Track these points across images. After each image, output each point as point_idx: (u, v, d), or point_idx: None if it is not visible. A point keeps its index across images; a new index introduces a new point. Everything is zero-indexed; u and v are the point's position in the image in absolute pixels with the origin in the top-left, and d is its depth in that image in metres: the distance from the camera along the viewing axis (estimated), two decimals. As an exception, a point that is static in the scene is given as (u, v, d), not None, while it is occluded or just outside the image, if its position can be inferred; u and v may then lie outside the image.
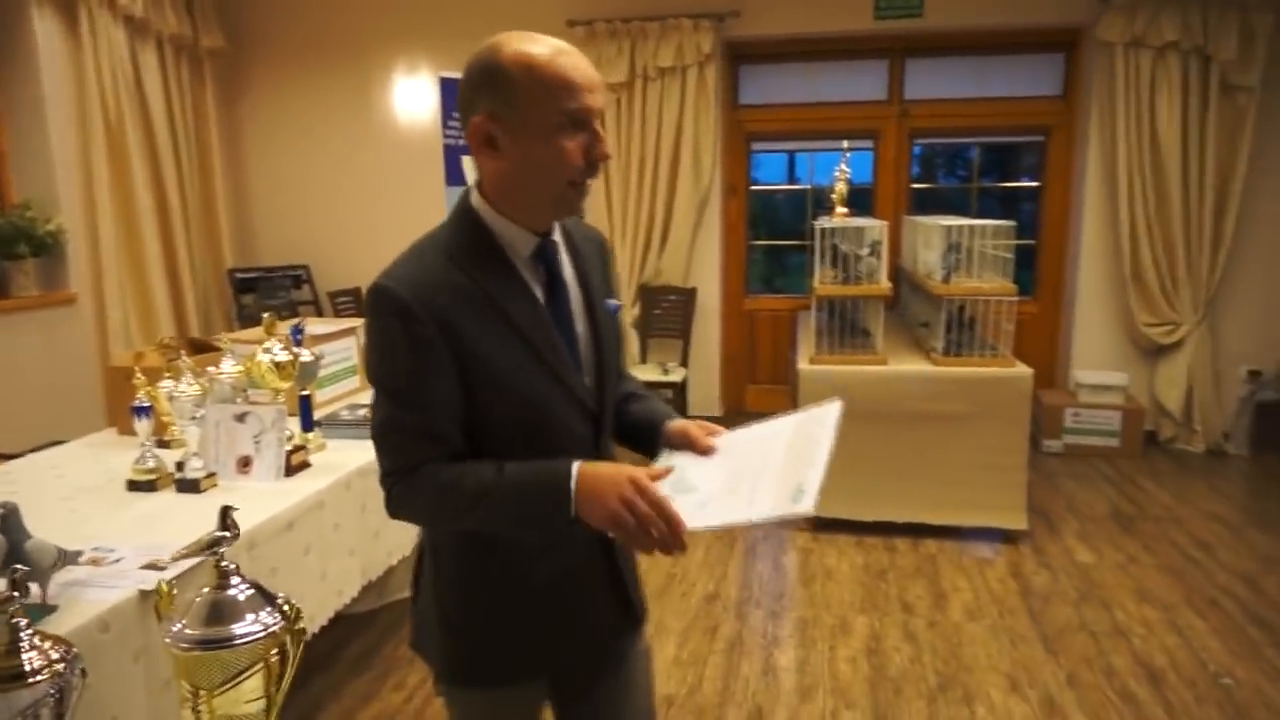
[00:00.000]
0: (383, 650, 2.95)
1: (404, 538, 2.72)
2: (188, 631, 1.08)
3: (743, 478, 1.19)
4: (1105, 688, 2.70)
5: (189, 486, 2.19)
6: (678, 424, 1.33)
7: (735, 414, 5.81)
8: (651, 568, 3.54)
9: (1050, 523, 4.04)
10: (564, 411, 1.25)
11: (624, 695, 1.45)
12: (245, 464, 2.29)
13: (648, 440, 1.36)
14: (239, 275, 5.55)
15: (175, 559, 1.21)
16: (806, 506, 1.08)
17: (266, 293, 5.48)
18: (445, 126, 4.10)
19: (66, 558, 1.60)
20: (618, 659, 1.43)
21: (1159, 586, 3.39)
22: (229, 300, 5.61)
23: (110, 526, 1.98)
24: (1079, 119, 5.25)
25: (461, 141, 4.14)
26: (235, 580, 1.14)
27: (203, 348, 3.00)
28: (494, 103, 1.15)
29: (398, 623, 3.11)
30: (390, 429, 1.20)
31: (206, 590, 1.13)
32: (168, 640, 1.08)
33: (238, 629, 1.09)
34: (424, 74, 5.63)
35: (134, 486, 2.21)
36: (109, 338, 4.77)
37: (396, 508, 1.23)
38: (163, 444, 2.49)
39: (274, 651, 1.11)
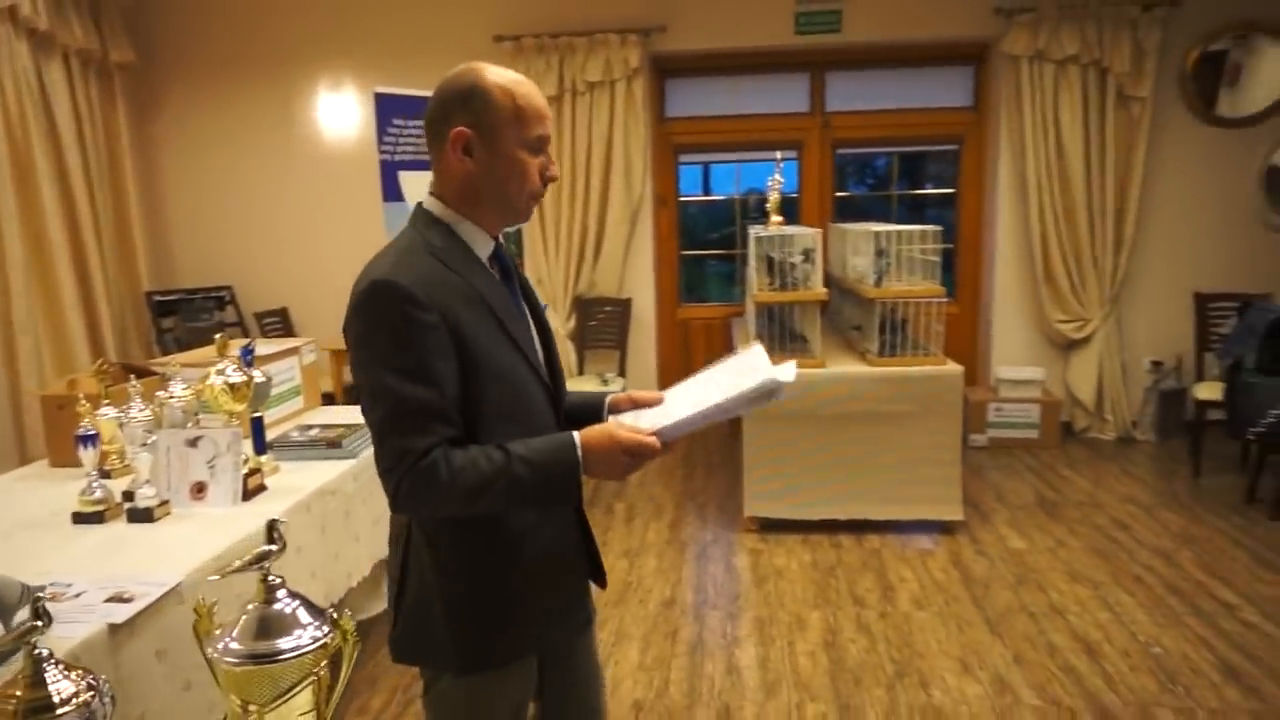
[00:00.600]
0: (341, 675, 2.88)
1: (361, 560, 2.68)
2: (235, 646, 1.05)
3: (701, 397, 1.36)
4: (1048, 664, 2.84)
5: (141, 516, 2.11)
6: (621, 394, 1.50)
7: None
8: (607, 577, 3.55)
9: (983, 513, 4.22)
10: (534, 390, 1.40)
11: (588, 655, 1.61)
12: (200, 490, 2.22)
13: (593, 420, 1.46)
14: (158, 298, 5.34)
15: (225, 574, 1.19)
16: (788, 375, 1.29)
17: (189, 315, 5.28)
18: (381, 142, 4.04)
19: (30, 593, 1.53)
20: (587, 621, 1.59)
21: (1087, 567, 3.58)
22: (147, 324, 5.39)
23: (61, 561, 1.90)
24: (990, 128, 5.52)
25: (398, 157, 4.10)
26: (282, 594, 1.12)
27: (137, 372, 2.89)
28: (474, 118, 1.32)
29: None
30: (402, 412, 1.23)
31: (253, 606, 1.11)
32: (214, 655, 1.05)
33: (285, 643, 1.07)
34: (350, 89, 5.54)
35: (81, 519, 2.12)
36: (19, 365, 4.52)
37: (408, 498, 1.24)
38: (104, 474, 2.39)
39: (323, 665, 1.09)
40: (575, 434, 1.30)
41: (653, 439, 1.30)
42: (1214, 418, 4.50)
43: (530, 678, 1.47)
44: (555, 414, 1.45)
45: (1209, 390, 4.61)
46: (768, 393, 1.29)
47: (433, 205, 1.39)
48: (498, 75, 1.34)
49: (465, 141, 1.33)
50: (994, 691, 2.69)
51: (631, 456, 1.29)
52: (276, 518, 1.20)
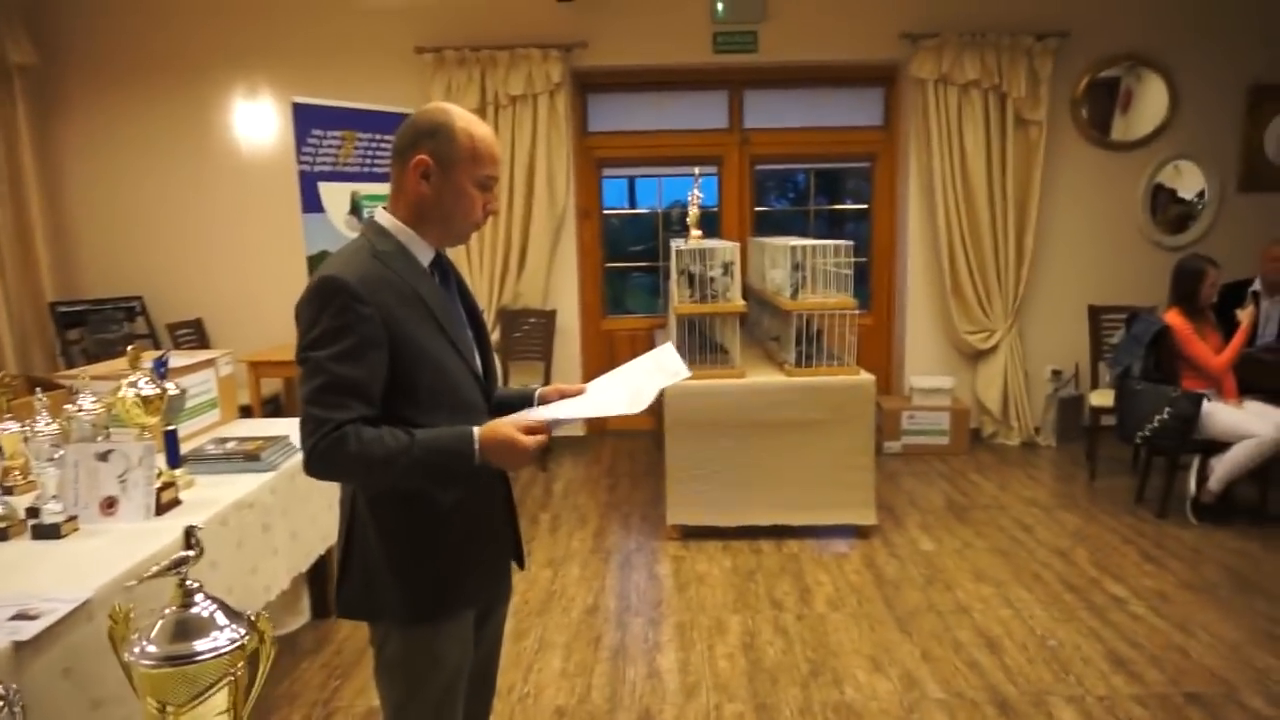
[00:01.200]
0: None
1: (279, 574, 2.64)
2: (151, 649, 1.06)
3: (600, 400, 1.62)
4: (954, 659, 2.98)
5: (48, 532, 2.06)
6: (548, 388, 1.72)
7: (599, 434, 5.93)
8: (530, 587, 3.58)
9: (896, 517, 4.39)
10: (463, 379, 1.58)
11: (497, 629, 1.84)
12: (110, 505, 2.17)
13: (521, 409, 1.66)
14: (62, 309, 5.13)
15: (143, 580, 1.25)
16: (637, 409, 1.57)
17: (97, 326, 5.10)
18: (299, 153, 4.00)
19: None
20: (506, 594, 1.84)
21: (991, 566, 3.77)
22: (51, 335, 5.18)
23: (-40, 580, 1.84)
24: (899, 147, 5.76)
25: (318, 168, 4.06)
26: (200, 598, 1.13)
27: (42, 385, 2.80)
28: (436, 150, 1.53)
29: (273, 662, 3.00)
30: (329, 388, 1.41)
31: (170, 610, 1.12)
32: (131, 659, 1.06)
33: (202, 645, 1.09)
34: (268, 97, 5.44)
35: (-19, 536, 2.05)
36: (-91, 381, 4.29)
37: (319, 462, 1.42)
38: (4, 490, 2.32)
39: (240, 665, 1.10)
40: (475, 429, 1.47)
41: (537, 431, 1.49)
42: (1107, 423, 4.78)
43: (468, 635, 1.64)
44: (486, 402, 1.63)
45: (1102, 397, 4.90)
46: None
47: (383, 218, 1.59)
48: (464, 119, 1.56)
49: (425, 169, 1.53)
50: (903, 687, 2.81)
51: (520, 448, 1.46)
52: (194, 524, 1.22)
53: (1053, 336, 5.70)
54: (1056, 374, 5.69)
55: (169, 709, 1.05)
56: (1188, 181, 5.65)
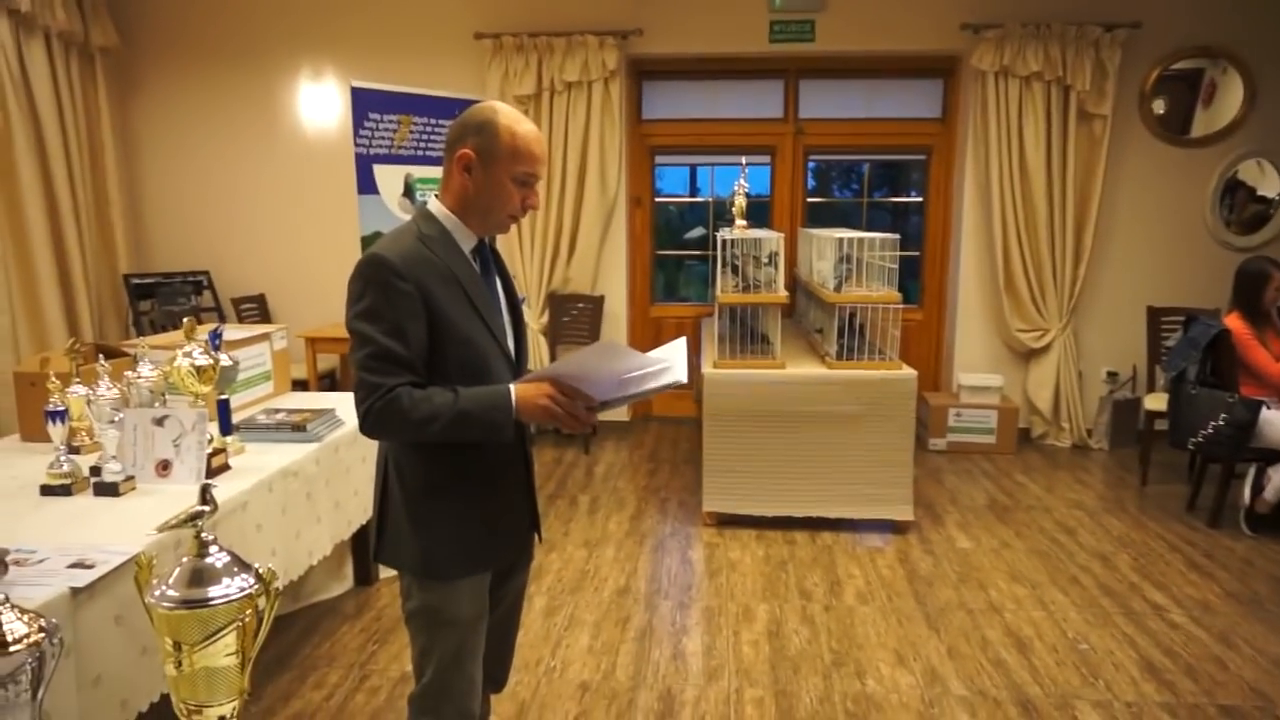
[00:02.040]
0: (301, 651, 2.97)
1: (322, 540, 2.77)
2: (170, 593, 1.17)
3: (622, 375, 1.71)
4: (980, 657, 2.97)
5: (107, 490, 2.21)
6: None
7: (642, 419, 5.99)
8: (565, 566, 3.67)
9: (935, 514, 4.36)
10: (494, 356, 1.69)
11: (520, 592, 1.99)
12: (165, 467, 2.31)
13: None
14: (135, 281, 5.39)
15: (160, 530, 1.43)
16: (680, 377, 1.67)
17: (166, 299, 5.34)
18: (356, 136, 4.13)
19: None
20: (526, 561, 1.97)
21: (1028, 568, 3.72)
22: (124, 306, 5.44)
23: (27, 529, 1.99)
24: (957, 140, 5.67)
25: (374, 150, 4.19)
26: (213, 549, 1.24)
27: (109, 353, 2.97)
28: (480, 145, 1.63)
29: (315, 625, 3.14)
30: (377, 356, 1.54)
31: (187, 559, 1.22)
32: (151, 600, 1.17)
33: (215, 591, 1.20)
34: (331, 80, 5.61)
35: (48, 491, 2.21)
36: (-6, 344, 4.58)
37: (375, 422, 1.56)
38: (73, 449, 2.48)
39: (248, 611, 1.21)
40: (511, 385, 1.62)
41: (562, 385, 1.62)
42: (1162, 428, 4.66)
43: (483, 593, 1.76)
44: (514, 378, 1.73)
45: (1157, 401, 4.78)
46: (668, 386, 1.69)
47: (433, 205, 1.71)
48: (509, 118, 1.65)
49: (468, 162, 1.64)
50: (925, 682, 2.82)
51: (549, 400, 1.60)
52: (209, 482, 1.32)
53: (1109, 337, 5.56)
54: (1112, 376, 5.56)
55: (184, 647, 1.15)
56: (1269, 180, 5.43)
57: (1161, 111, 5.39)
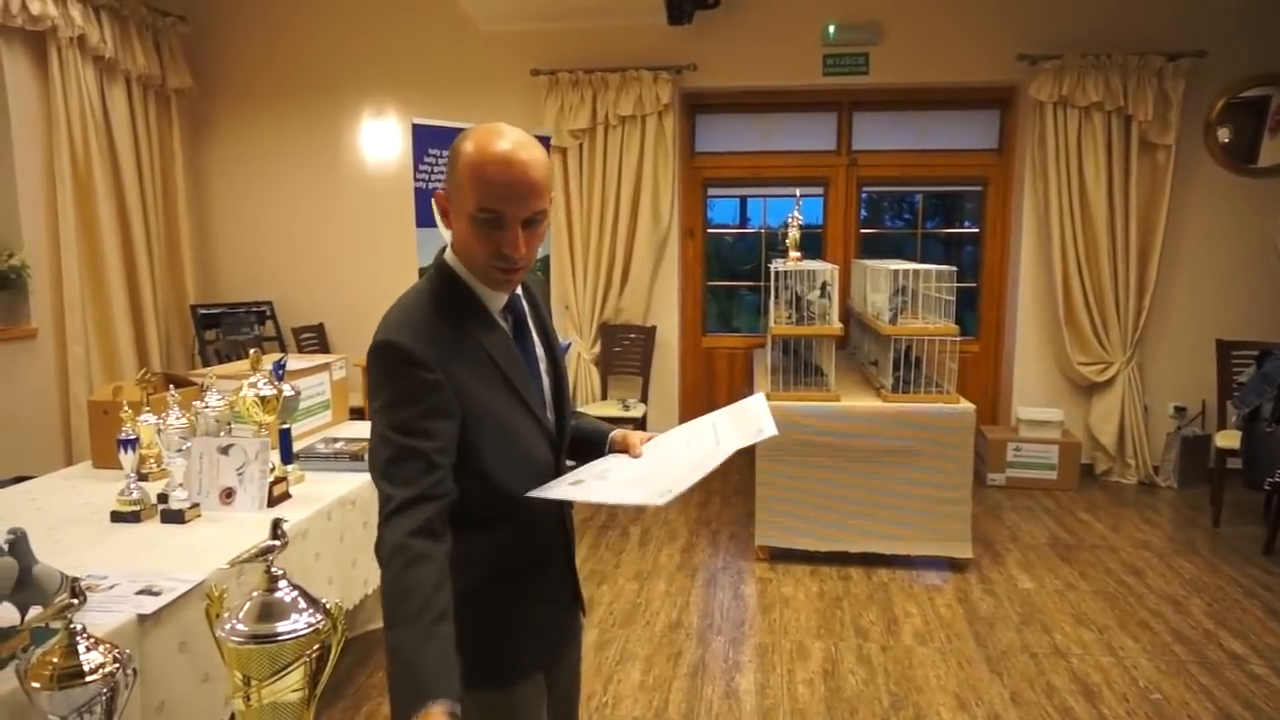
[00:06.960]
0: (356, 680, 3.00)
1: (377, 570, 2.79)
2: (240, 627, 1.19)
3: (646, 472, 1.47)
4: (1045, 704, 2.87)
5: (174, 517, 2.26)
6: (619, 433, 1.60)
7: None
8: (616, 599, 3.65)
9: (995, 552, 4.24)
10: (533, 439, 1.43)
11: (576, 669, 1.69)
12: (228, 495, 2.36)
13: (595, 452, 1.59)
14: (202, 311, 5.57)
15: (232, 564, 1.38)
16: (658, 502, 1.30)
17: (230, 328, 5.50)
18: (416, 170, 4.23)
19: (68, 581, 1.66)
20: (576, 638, 1.66)
21: (1094, 610, 3.59)
22: (191, 335, 5.62)
23: (98, 555, 2.05)
24: (1014, 171, 5.59)
25: (432, 185, 4.29)
26: (282, 584, 1.25)
27: (177, 382, 3.06)
28: (448, 180, 1.34)
29: (369, 654, 3.17)
30: (393, 460, 1.26)
31: (256, 593, 1.24)
32: (222, 635, 1.18)
33: (283, 626, 1.21)
34: (391, 117, 5.77)
35: (118, 517, 2.27)
36: (70, 372, 4.76)
37: (380, 542, 1.26)
38: (141, 476, 2.55)
39: (315, 647, 1.22)
40: (436, 704, 1.14)
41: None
42: (1234, 466, 4.48)
43: (540, 692, 1.52)
44: (556, 457, 1.49)
45: (1228, 439, 4.60)
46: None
47: (450, 258, 1.40)
48: (474, 141, 1.29)
49: (442, 205, 1.35)
50: (988, 727, 2.73)
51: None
52: (280, 517, 1.34)
53: (1176, 371, 5.38)
54: (1180, 411, 5.37)
55: (253, 682, 1.16)
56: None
57: (1227, 140, 5.25)
